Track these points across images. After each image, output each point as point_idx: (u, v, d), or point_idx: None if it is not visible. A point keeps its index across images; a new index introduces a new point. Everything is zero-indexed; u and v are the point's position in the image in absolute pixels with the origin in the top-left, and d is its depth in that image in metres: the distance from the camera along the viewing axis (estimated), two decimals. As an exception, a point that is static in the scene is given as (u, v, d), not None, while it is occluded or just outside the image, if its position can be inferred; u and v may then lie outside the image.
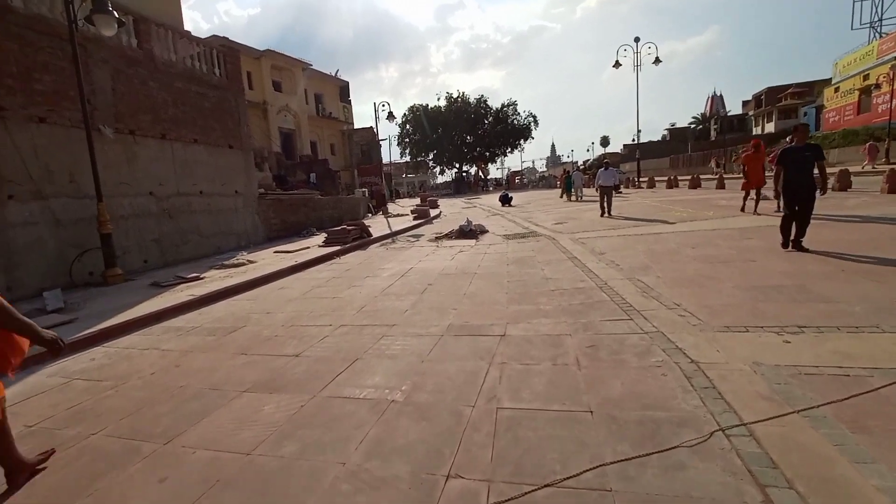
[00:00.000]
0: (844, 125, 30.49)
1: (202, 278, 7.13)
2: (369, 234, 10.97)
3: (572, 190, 21.04)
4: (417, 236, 11.70)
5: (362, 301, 5.33)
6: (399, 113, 57.39)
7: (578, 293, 4.83)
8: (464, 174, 55.96)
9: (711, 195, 16.15)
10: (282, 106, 26.07)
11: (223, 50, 10.66)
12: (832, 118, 32.56)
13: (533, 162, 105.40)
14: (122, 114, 7.89)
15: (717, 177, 21.98)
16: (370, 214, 19.04)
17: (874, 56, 27.91)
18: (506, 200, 19.94)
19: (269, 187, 13.89)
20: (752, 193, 10.34)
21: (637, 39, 26.90)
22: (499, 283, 5.71)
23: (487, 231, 11.34)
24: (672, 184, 24.37)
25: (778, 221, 6.18)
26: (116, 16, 6.06)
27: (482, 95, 53.05)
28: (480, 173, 53.20)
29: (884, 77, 24.68)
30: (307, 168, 24.79)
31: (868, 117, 27.90)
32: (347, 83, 32.82)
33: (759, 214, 9.61)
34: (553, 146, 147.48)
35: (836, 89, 32.04)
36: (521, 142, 54.63)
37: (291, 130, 27.19)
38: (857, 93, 29.39)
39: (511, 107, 53.15)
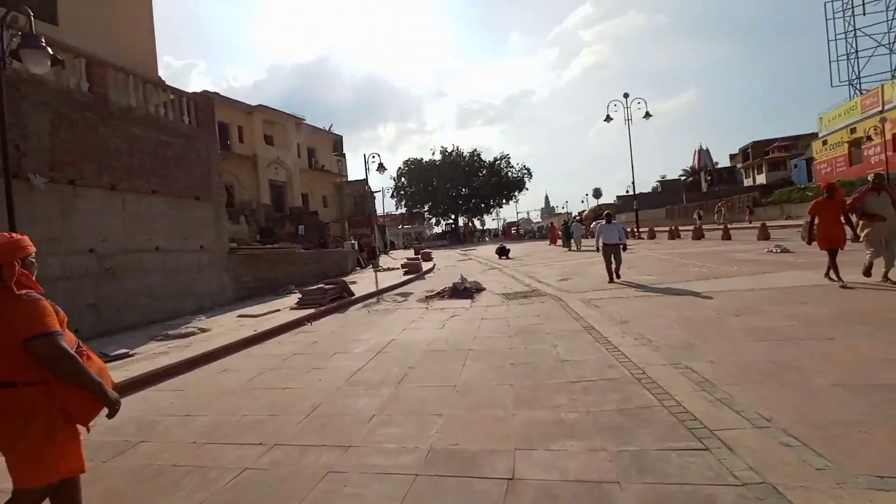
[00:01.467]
0: (838, 176, 30.48)
1: (131, 355, 5.74)
2: (351, 294, 9.70)
3: (571, 241, 21.08)
4: (406, 295, 10.43)
5: (318, 396, 3.96)
6: (395, 167, 58.29)
7: (611, 389, 3.51)
8: (459, 226, 55.69)
9: (723, 247, 15.18)
10: (273, 159, 25.71)
11: (195, 97, 9.95)
12: (824, 170, 32.76)
13: (528, 213, 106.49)
14: (60, 162, 6.87)
15: (721, 226, 21.23)
16: (359, 268, 17.84)
17: (858, 111, 28.48)
18: (503, 252, 18.92)
19: (245, 241, 12.77)
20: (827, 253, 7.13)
21: (626, 95, 27.37)
22: (500, 367, 4.39)
23: (484, 289, 10.10)
24: (674, 234, 23.57)
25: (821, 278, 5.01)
26: (50, 52, 5.15)
27: (475, 149, 54.12)
28: (471, 225, 52.90)
29: (873, 129, 24.87)
30: (296, 220, 23.95)
31: (862, 168, 27.90)
32: (341, 137, 32.99)
33: (846, 286, 6.51)
34: (547, 198, 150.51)
35: (825, 142, 32.51)
36: (516, 193, 55.07)
37: (282, 183, 26.67)
38: (846, 145, 29.70)
39: (504, 160, 54.11)
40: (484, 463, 2.55)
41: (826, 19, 31.23)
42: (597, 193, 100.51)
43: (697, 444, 2.54)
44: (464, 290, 9.50)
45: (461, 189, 54.61)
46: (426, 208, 56.00)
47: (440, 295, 9.64)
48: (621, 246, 9.34)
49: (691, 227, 23.79)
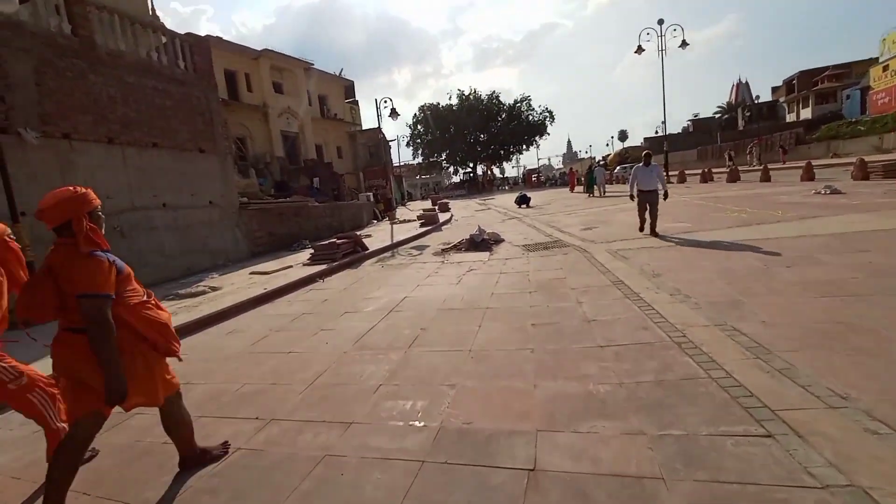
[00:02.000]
0: (897, 107, 27.59)
1: (141, 317, 5.63)
2: (364, 248, 9.38)
3: (595, 186, 20.55)
4: (422, 248, 10.06)
5: (323, 362, 3.70)
6: (411, 113, 55.96)
7: (647, 356, 3.08)
8: (477, 174, 54.18)
9: (763, 189, 14.05)
10: (283, 108, 24.80)
11: (189, 39, 9.22)
12: (881, 100, 29.62)
13: (549, 159, 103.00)
14: (50, 114, 6.47)
15: (759, 167, 19.71)
16: (375, 221, 17.50)
17: (932, 28, 25.01)
18: (523, 201, 18.15)
19: (256, 195, 12.47)
20: None
21: (661, 22, 24.73)
22: (520, 328, 4.01)
23: (503, 240, 9.61)
24: (707, 177, 22.12)
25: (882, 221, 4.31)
26: (14, -16, 4.58)
27: (494, 91, 51.25)
28: (489, 173, 51.31)
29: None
30: (311, 173, 23.49)
31: (926, 97, 25.04)
32: (352, 82, 31.45)
33: None
34: (569, 142, 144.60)
35: (885, 68, 29.10)
36: (537, 139, 52.58)
37: (295, 134, 25.90)
38: (911, 70, 26.49)
39: (525, 102, 51.17)
40: (500, 448, 2.22)
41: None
42: (622, 136, 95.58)
43: (758, 428, 2.12)
44: (481, 242, 9.03)
45: (479, 135, 52.40)
46: (443, 157, 54.38)
47: (457, 247, 9.22)
48: (661, 194, 7.90)
49: (725, 170, 22.23)
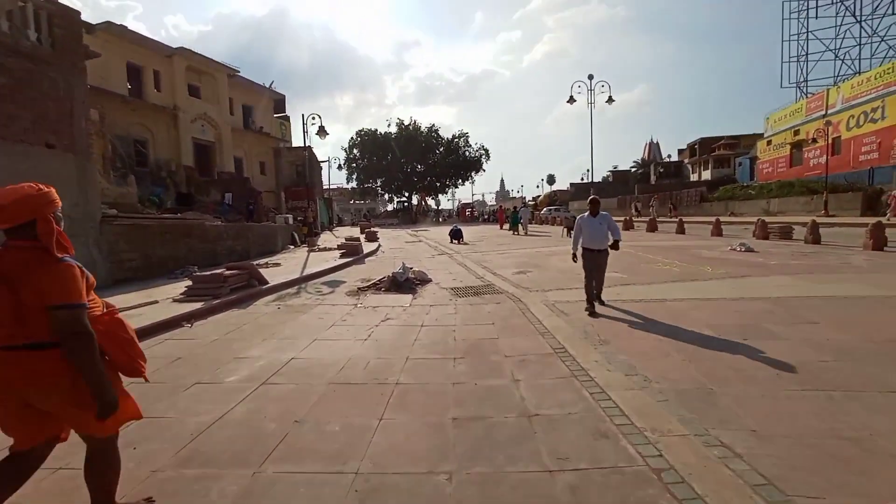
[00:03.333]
0: (778, 177, 31.80)
1: None
2: (262, 282, 7.75)
3: (518, 224, 22.45)
4: (336, 284, 8.63)
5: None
6: (348, 137, 54.57)
7: (619, 494, 2.06)
8: (412, 204, 53.61)
9: (682, 242, 14.60)
10: (198, 114, 22.27)
11: (50, 7, 7.28)
12: (765, 169, 34.07)
13: (483, 195, 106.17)
14: None
15: (675, 219, 21.04)
16: (292, 247, 15.62)
17: (803, 113, 29.47)
18: (456, 236, 17.43)
19: (132, 207, 10.25)
20: None
21: (591, 77, 26.38)
22: (437, 424, 2.84)
23: (430, 280, 8.54)
24: (628, 225, 23.22)
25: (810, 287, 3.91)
26: None
27: (433, 124, 51.81)
28: (424, 204, 51.07)
29: (816, 132, 25.70)
30: (224, 187, 21.02)
31: (801, 170, 29.11)
32: (283, 97, 29.56)
33: None
34: (502, 181, 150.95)
35: (769, 142, 33.70)
36: (473, 174, 53.69)
37: (210, 143, 23.31)
38: (788, 147, 30.84)
39: (462, 138, 52.37)
40: None
41: (783, 19, 31.95)
42: (551, 180, 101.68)
43: None
44: (405, 282, 7.86)
45: (417, 166, 52.36)
46: (379, 183, 53.29)
47: (377, 286, 7.95)
48: (605, 251, 5.85)
49: (645, 220, 23.59)
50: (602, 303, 5.97)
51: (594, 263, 5.81)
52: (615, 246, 5.92)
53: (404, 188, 53.11)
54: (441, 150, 52.03)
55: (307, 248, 14.75)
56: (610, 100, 26.13)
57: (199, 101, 22.64)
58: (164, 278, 8.74)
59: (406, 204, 53.25)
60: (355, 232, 23.95)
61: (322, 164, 35.14)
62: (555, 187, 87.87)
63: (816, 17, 30.94)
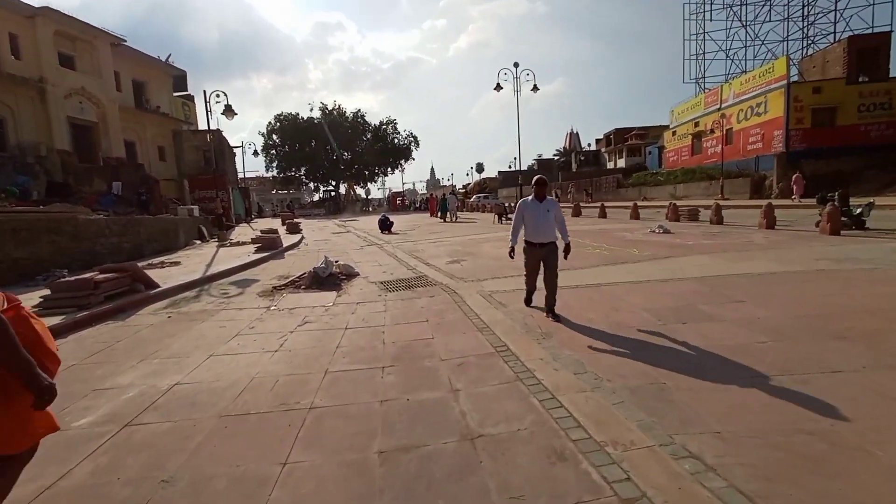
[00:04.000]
0: (682, 164, 34.85)
1: None
2: (150, 285, 6.48)
3: (447, 212, 23.24)
4: (247, 284, 7.54)
5: None
6: (265, 122, 50.15)
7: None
8: (340, 193, 51.26)
9: (605, 225, 15.16)
10: (74, 88, 18.86)
11: None
12: (671, 158, 37.20)
13: (413, 184, 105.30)
14: None
15: (594, 205, 22.03)
16: (198, 242, 13.78)
17: (702, 107, 32.47)
18: (385, 226, 16.62)
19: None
20: None
21: (517, 65, 26.64)
22: (359, 463, 2.25)
23: (357, 274, 7.79)
24: (577, 211, 23.94)
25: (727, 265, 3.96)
26: None
27: (359, 110, 49.66)
28: (353, 193, 49.13)
29: (715, 123, 28.39)
30: (112, 175, 18.13)
31: (700, 158, 32.12)
32: (184, 72, 26.18)
33: None
34: (433, 169, 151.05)
35: (674, 133, 36.77)
36: (402, 162, 52.52)
37: (92, 123, 19.92)
38: (690, 137, 33.86)
39: (391, 125, 50.82)
40: None
41: (683, 19, 34.76)
42: (479, 168, 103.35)
43: None
44: (328, 279, 7.05)
45: (343, 153, 49.99)
46: (302, 172, 50.13)
47: (295, 284, 7.05)
48: (560, 248, 4.68)
49: (571, 205, 24.48)
50: (556, 318, 4.49)
51: (539, 260, 4.69)
52: (566, 250, 4.66)
53: (331, 177, 50.51)
54: (369, 136, 50.15)
55: (217, 243, 13.10)
56: (535, 88, 26.60)
57: (75, 73, 19.14)
58: (20, 286, 7.01)
59: (333, 193, 50.75)
60: (276, 224, 22.05)
61: (236, 150, 32.02)
62: (484, 175, 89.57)
63: (711, 20, 34.17)
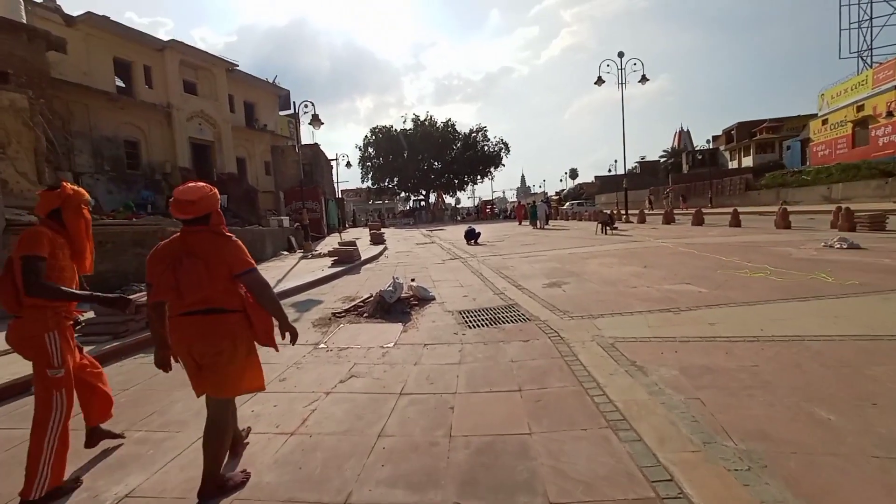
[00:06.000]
0: (837, 159, 28.16)
1: None
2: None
3: (536, 220, 22.79)
4: (309, 305, 6.58)
5: None
6: (362, 136, 52.80)
7: None
8: (430, 202, 51.58)
9: (746, 237, 11.94)
10: (195, 111, 20.76)
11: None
12: (821, 152, 30.35)
13: (504, 192, 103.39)
14: None
15: (688, 211, 18.19)
16: (285, 253, 13.74)
17: (869, 85, 25.81)
18: (472, 237, 15.21)
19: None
20: None
21: (621, 55, 23.63)
22: None
23: (433, 298, 6.39)
24: (669, 218, 20.46)
25: None
26: None
27: (449, 119, 49.50)
28: (441, 202, 48.85)
29: (892, 105, 22.15)
30: (222, 189, 19.41)
31: (867, 150, 25.50)
32: (288, 92, 27.85)
33: None
34: (523, 177, 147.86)
35: (825, 121, 29.96)
36: (492, 169, 51.16)
37: (209, 142, 21.80)
38: (850, 125, 27.16)
39: (481, 132, 49.86)
40: None
41: (840, -20, 28.20)
42: (573, 174, 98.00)
43: None
44: (396, 305, 5.75)
45: (433, 162, 50.27)
46: (395, 182, 51.45)
47: (358, 310, 5.86)
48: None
49: (691, 212, 20.80)
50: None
51: None
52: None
53: (421, 186, 51.04)
54: (458, 145, 49.76)
55: (301, 254, 12.84)
56: (643, 79, 23.34)
57: (196, 97, 21.11)
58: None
59: (423, 203, 51.18)
60: (365, 233, 22.03)
61: (332, 163, 33.50)
62: (579, 181, 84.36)
63: (883, -25, 27.17)
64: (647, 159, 71.37)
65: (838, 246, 8.65)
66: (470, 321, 5.17)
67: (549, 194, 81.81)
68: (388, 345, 4.44)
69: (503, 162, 50.59)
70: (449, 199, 56.98)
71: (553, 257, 10.33)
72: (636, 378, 3.22)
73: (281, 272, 9.49)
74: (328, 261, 10.68)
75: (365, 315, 5.61)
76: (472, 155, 48.79)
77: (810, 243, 9.49)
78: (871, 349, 3.46)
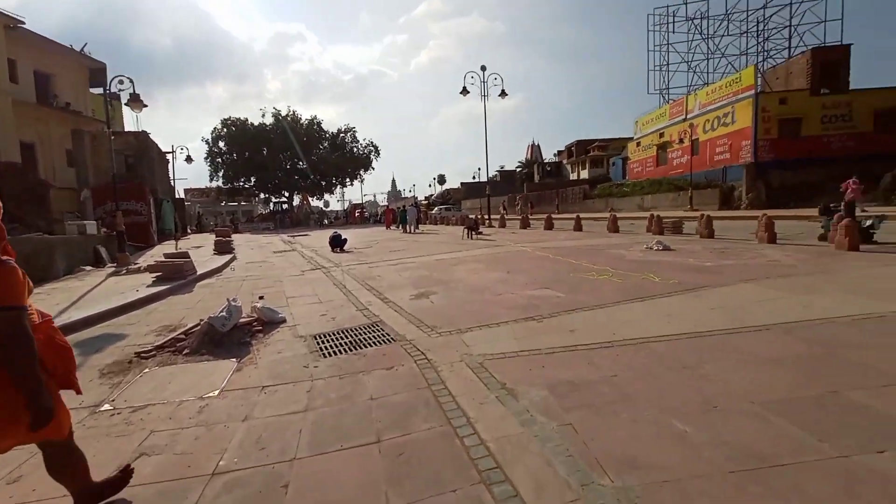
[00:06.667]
0: (647, 175, 34.56)
1: None
2: None
3: (406, 224, 22.85)
4: (104, 343, 4.93)
5: None
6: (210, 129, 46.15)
7: None
8: (294, 206, 47.83)
9: (588, 240, 13.43)
10: (-56, 75, 15.21)
11: None
12: (636, 169, 36.95)
13: (374, 196, 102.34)
14: None
15: (539, 218, 20.56)
16: (88, 268, 10.69)
17: (667, 117, 32.31)
18: (337, 244, 14.13)
19: None
20: None
21: (483, 68, 25.07)
22: None
23: (283, 321, 5.40)
24: (525, 223, 22.31)
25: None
26: None
27: (315, 116, 46.71)
28: (306, 205, 45.87)
29: (682, 133, 28.02)
30: (-7, 183, 14.51)
31: (666, 169, 31.82)
32: (104, 65, 22.54)
33: None
34: (394, 181, 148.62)
35: (638, 144, 36.58)
36: (362, 172, 49.83)
37: (-29, 120, 16.22)
38: (655, 147, 33.62)
39: (350, 133, 48.17)
40: None
41: (647, 30, 34.86)
42: (441, 180, 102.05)
43: None
44: (231, 334, 4.62)
45: (298, 162, 46.78)
46: (253, 182, 46.34)
47: (176, 345, 4.56)
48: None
49: (543, 217, 23.00)
50: None
51: None
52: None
53: (284, 187, 46.97)
54: (325, 145, 47.21)
55: (114, 269, 10.16)
56: (503, 93, 25.12)
57: (-53, 57, 15.50)
58: None
59: (285, 206, 47.16)
60: (211, 240, 18.93)
61: (169, 156, 28.38)
62: (446, 186, 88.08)
63: (674, 32, 34.38)
64: (507, 168, 78.37)
65: (656, 248, 10.17)
66: (326, 348, 4.40)
67: (418, 199, 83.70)
68: (211, 394, 3.40)
69: (373, 165, 49.75)
70: (316, 203, 53.77)
71: (422, 264, 10.04)
72: (507, 405, 2.91)
73: (70, 297, 7.19)
74: (149, 277, 8.55)
75: (185, 351, 4.36)
76: (340, 156, 46.80)
77: (635, 246, 11.01)
78: (699, 347, 3.78)
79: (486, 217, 26.93)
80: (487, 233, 19.35)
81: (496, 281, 7.34)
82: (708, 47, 33.57)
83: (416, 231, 23.30)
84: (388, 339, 4.53)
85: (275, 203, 48.69)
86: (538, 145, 78.64)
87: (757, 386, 2.98)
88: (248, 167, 43.56)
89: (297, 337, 4.81)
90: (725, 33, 32.66)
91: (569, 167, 58.47)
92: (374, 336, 4.68)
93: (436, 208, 45.97)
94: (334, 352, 4.27)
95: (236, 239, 21.63)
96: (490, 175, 73.72)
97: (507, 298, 5.96)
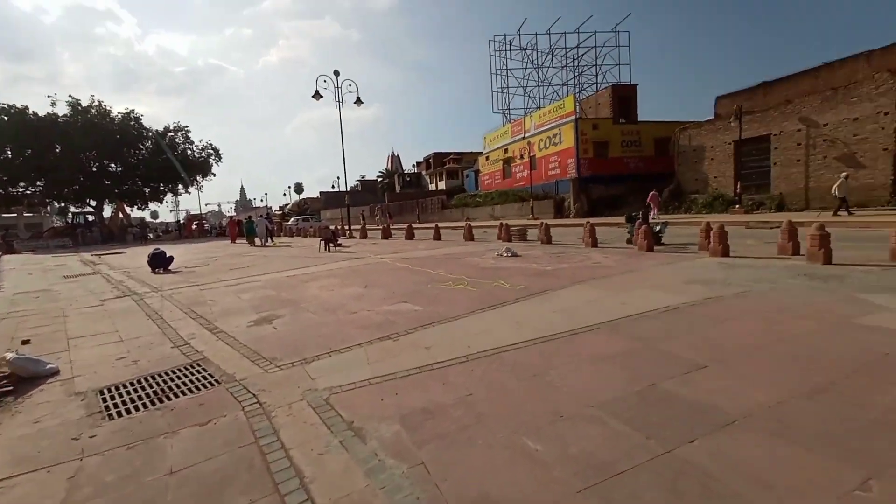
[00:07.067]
0: (495, 187, 37.89)
1: None
2: None
3: (254, 237, 21.72)
4: None
5: None
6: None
7: None
8: (104, 217, 39.00)
9: (447, 249, 13.81)
10: None
11: None
12: (486, 181, 40.24)
13: (219, 205, 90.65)
14: None
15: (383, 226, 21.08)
16: None
17: (509, 135, 35.98)
18: (159, 263, 11.68)
19: None
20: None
21: (337, 73, 24.20)
22: None
23: (53, 373, 3.97)
24: (387, 233, 22.11)
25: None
26: None
27: (132, 110, 38.98)
28: (121, 216, 38.03)
29: (522, 150, 31.46)
30: None
31: (511, 182, 35.35)
32: None
33: None
34: (242, 189, 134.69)
35: (487, 158, 39.91)
36: (199, 178, 43.33)
37: None
38: (501, 162, 37.12)
39: (181, 132, 41.42)
40: None
41: (489, 55, 38.31)
42: (298, 188, 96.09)
43: None
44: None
45: (109, 164, 38.31)
46: (40, 186, 36.26)
47: None
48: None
49: (404, 227, 23.11)
50: None
51: None
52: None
53: (88, 194, 37.82)
54: (149, 145, 39.71)
55: None
56: (358, 101, 24.60)
57: None
58: None
59: (90, 217, 38.09)
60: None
61: None
62: (304, 195, 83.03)
63: (511, 59, 38.65)
64: (368, 178, 77.71)
65: (506, 255, 10.91)
66: (116, 405, 3.32)
67: (272, 208, 76.94)
68: None
69: (213, 171, 43.74)
70: (139, 213, 44.87)
71: (269, 283, 8.87)
72: (353, 451, 2.48)
73: None
74: None
75: None
76: (168, 160, 39.84)
77: (488, 253, 11.68)
78: (546, 351, 3.92)
79: (347, 228, 25.97)
80: (347, 244, 18.53)
81: (352, 297, 6.81)
82: (538, 75, 38.68)
83: (268, 244, 21.23)
84: (210, 383, 3.65)
85: (74, 214, 38.97)
86: (398, 156, 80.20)
87: (595, 386, 3.13)
88: (29, 168, 33.84)
89: (73, 395, 3.56)
90: (551, 65, 38.10)
91: (427, 178, 60.73)
92: (190, 380, 3.73)
93: (292, 219, 42.73)
94: (128, 410, 3.24)
95: (9, 261, 16.40)
96: (351, 185, 72.31)
97: (363, 316, 5.51)
